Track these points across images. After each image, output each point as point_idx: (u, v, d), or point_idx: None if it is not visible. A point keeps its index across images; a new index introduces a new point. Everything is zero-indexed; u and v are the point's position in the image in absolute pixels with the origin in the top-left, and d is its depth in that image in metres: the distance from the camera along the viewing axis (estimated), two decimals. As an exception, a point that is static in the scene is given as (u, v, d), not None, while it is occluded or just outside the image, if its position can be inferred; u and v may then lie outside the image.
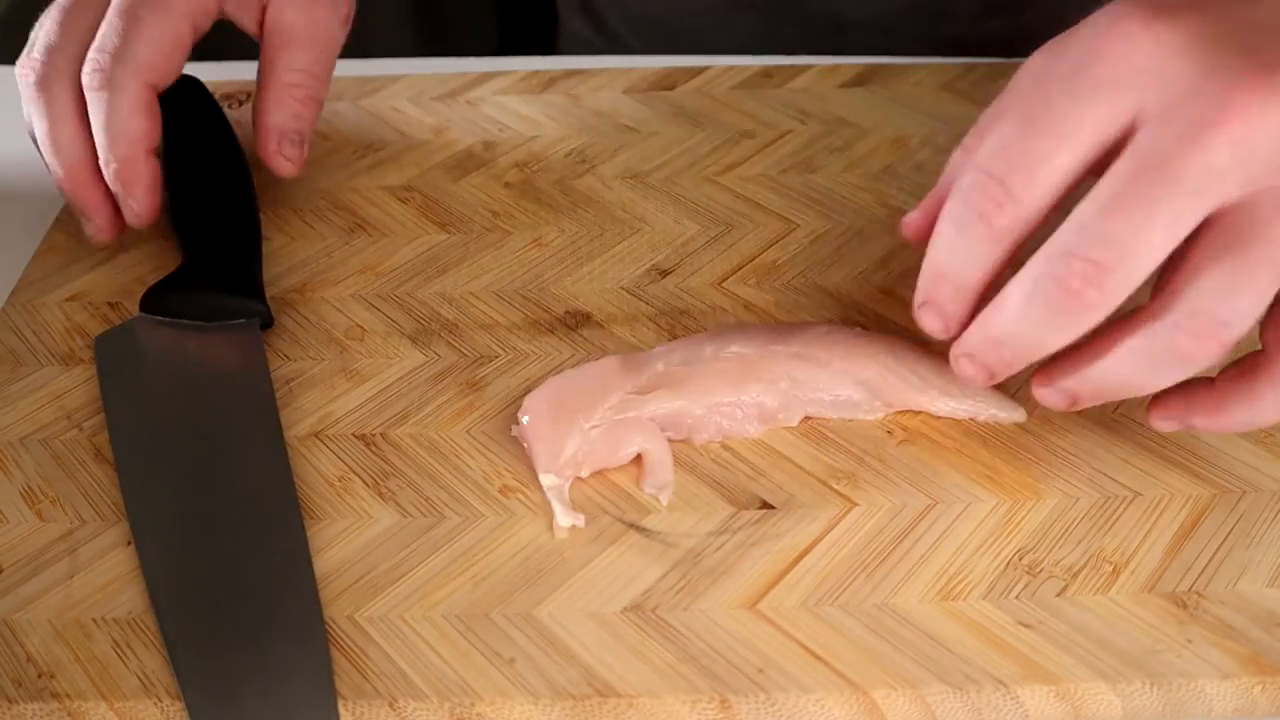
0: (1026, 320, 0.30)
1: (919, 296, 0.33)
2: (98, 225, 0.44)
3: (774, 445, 0.37)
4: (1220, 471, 0.36)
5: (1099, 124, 0.29)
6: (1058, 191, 0.30)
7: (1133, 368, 0.31)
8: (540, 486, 0.36)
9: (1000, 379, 0.33)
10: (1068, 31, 0.31)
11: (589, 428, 0.36)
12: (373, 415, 0.39)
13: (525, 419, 0.37)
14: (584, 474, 0.36)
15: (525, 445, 0.37)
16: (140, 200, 0.42)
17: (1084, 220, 0.29)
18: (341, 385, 0.40)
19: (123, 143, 0.41)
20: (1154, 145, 0.28)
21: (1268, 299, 0.29)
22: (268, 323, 0.42)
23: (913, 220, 0.35)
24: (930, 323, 0.34)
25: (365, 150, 0.52)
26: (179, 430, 0.37)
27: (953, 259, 0.32)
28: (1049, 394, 0.33)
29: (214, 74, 0.58)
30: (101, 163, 0.42)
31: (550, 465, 0.35)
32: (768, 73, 0.56)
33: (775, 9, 0.65)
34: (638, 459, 0.36)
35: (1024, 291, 0.30)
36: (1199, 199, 0.28)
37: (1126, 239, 0.28)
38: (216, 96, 0.55)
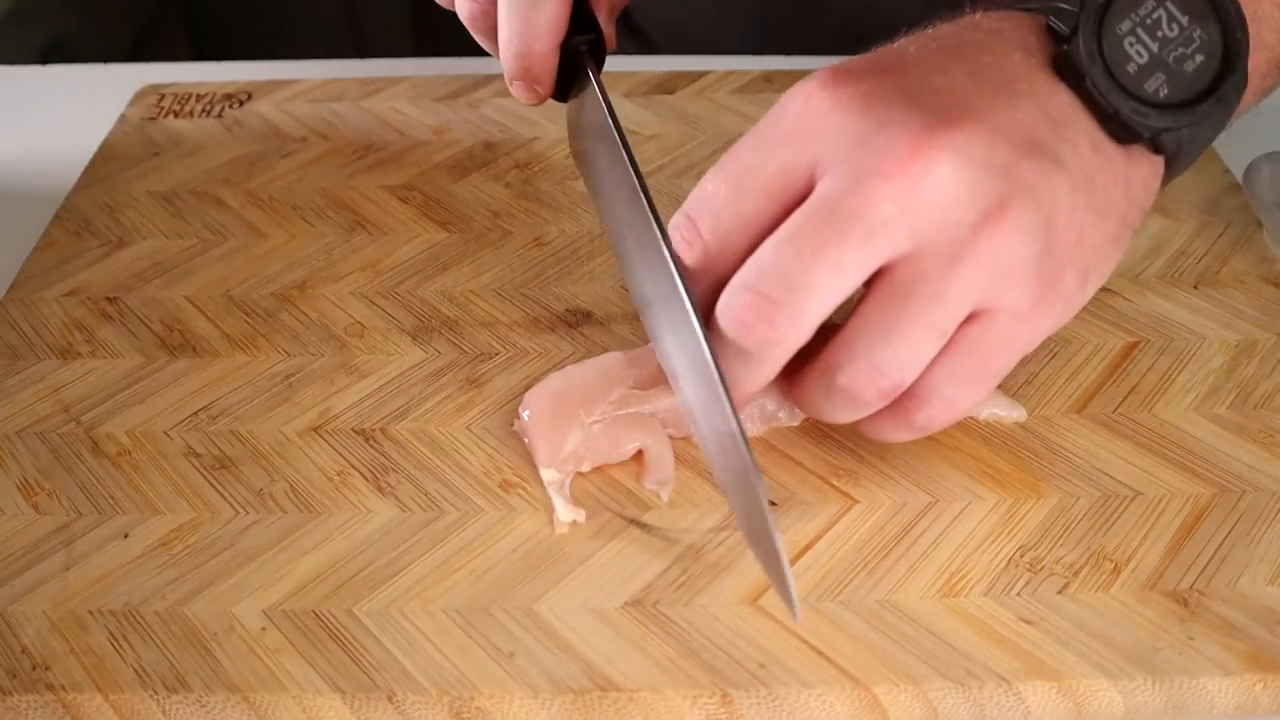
0: (723, 349, 0.31)
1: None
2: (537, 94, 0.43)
3: (775, 443, 0.37)
4: (1220, 471, 0.36)
5: (781, 174, 0.30)
6: (745, 237, 0.31)
7: (817, 401, 0.32)
8: (540, 482, 0.36)
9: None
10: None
11: (590, 423, 0.36)
12: (373, 410, 0.39)
13: (526, 414, 0.37)
14: (584, 469, 0.36)
15: (526, 440, 0.37)
16: (545, 88, 0.42)
17: (759, 256, 0.30)
18: (341, 381, 0.40)
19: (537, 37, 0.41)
20: (825, 191, 0.29)
21: (927, 351, 0.30)
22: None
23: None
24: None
25: (366, 150, 0.52)
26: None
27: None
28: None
29: (214, 74, 0.59)
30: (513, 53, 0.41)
31: (551, 460, 0.35)
32: (768, 77, 0.56)
33: (794, 17, 0.65)
34: (639, 455, 0.36)
35: (718, 319, 0.31)
36: (867, 246, 0.29)
37: (793, 275, 0.29)
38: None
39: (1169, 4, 0.31)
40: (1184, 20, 0.31)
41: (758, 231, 0.31)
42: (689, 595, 0.33)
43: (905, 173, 0.29)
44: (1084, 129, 0.31)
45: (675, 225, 0.33)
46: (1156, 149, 0.32)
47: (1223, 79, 0.31)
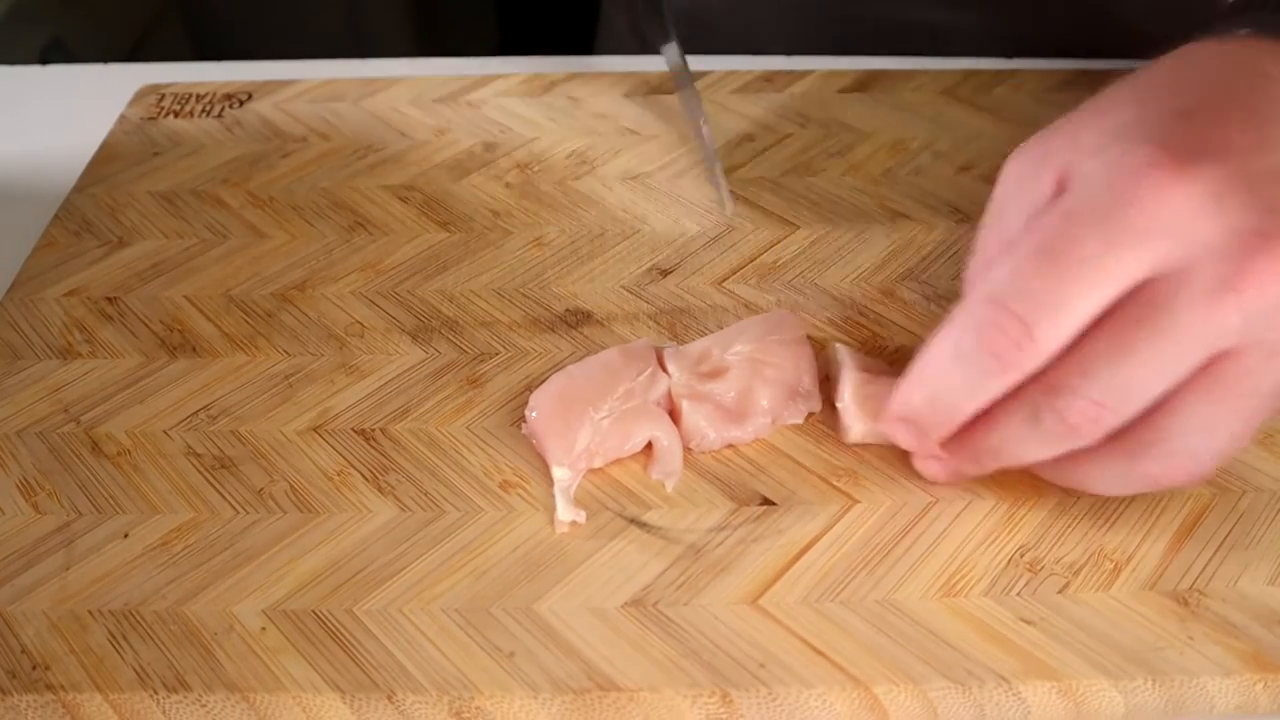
0: (1021, 441, 0.31)
1: (897, 407, 0.33)
2: None
3: (775, 443, 0.37)
4: (1220, 471, 0.36)
5: (1125, 272, 0.29)
6: (1075, 334, 0.30)
7: (1098, 479, 0.32)
8: (540, 482, 0.36)
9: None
10: (1080, 146, 0.31)
11: (599, 419, 0.36)
12: (373, 410, 0.39)
13: (533, 414, 0.36)
14: (596, 464, 0.36)
15: (535, 441, 0.36)
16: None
17: (1089, 364, 0.29)
18: (341, 380, 0.40)
19: None
20: (1173, 301, 0.28)
21: (1242, 440, 0.30)
22: None
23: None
24: (905, 438, 0.34)
25: (366, 150, 0.52)
26: None
27: (951, 388, 0.31)
28: (929, 465, 0.34)
29: (214, 74, 0.59)
30: None
31: (564, 458, 0.35)
32: (768, 77, 0.56)
33: (822, 9, 0.65)
34: (646, 448, 0.36)
35: (1023, 419, 0.30)
36: (1199, 352, 0.29)
37: (1128, 385, 0.29)
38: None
39: None
40: None
41: (1086, 327, 0.30)
42: (689, 595, 0.33)
43: (1258, 284, 0.28)
44: None
45: (990, 323, 0.30)
46: None
47: None
